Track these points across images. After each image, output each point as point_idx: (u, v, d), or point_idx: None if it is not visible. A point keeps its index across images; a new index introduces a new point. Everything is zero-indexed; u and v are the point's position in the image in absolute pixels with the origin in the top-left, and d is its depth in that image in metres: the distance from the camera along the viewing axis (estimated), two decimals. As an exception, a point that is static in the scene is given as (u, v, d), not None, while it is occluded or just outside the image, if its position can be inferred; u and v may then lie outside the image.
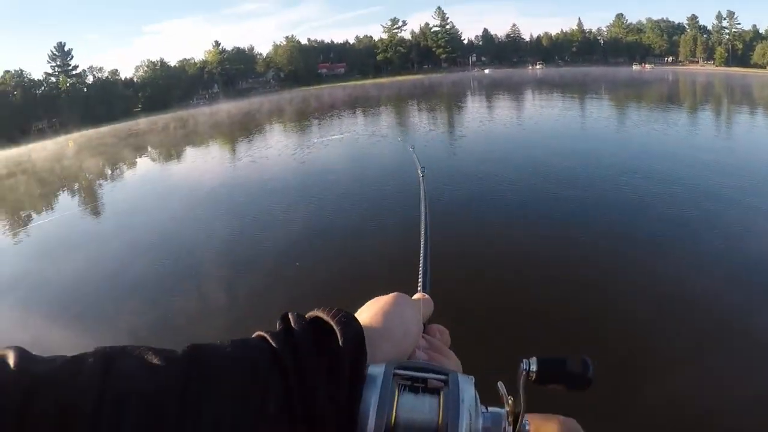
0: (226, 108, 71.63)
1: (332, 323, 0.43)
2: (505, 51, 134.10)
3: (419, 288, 0.64)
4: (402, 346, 0.48)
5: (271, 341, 0.42)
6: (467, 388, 0.44)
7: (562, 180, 11.09)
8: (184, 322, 6.46)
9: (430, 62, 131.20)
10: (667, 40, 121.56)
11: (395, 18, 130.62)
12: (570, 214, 8.88)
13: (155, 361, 0.37)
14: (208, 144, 30.55)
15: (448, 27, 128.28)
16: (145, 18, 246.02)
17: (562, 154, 13.55)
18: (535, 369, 0.48)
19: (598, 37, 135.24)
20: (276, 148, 21.94)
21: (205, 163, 22.14)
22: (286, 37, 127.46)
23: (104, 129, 72.83)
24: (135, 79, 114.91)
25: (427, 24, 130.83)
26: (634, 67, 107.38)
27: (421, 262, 0.63)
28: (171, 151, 30.04)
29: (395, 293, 0.52)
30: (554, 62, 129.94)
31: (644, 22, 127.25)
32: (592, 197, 9.88)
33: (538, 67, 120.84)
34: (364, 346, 0.44)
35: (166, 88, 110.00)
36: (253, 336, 0.42)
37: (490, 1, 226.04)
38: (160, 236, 11.00)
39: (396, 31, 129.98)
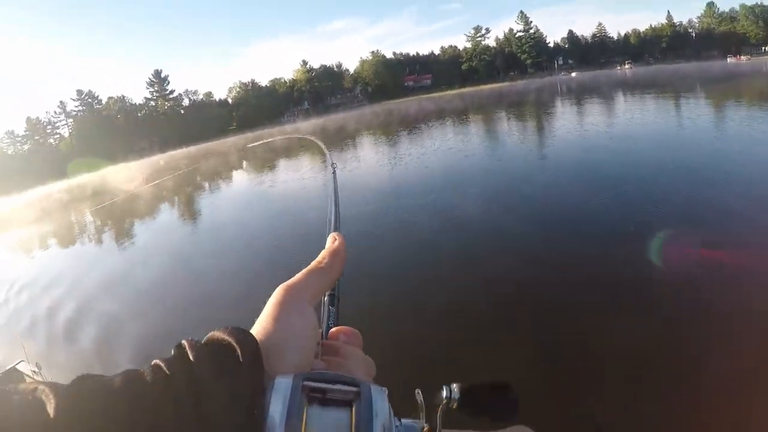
0: (306, 124, 76.35)
1: (228, 338, 0.43)
2: (592, 52, 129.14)
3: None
4: (299, 353, 0.47)
5: (164, 367, 0.41)
6: (380, 401, 0.44)
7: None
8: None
9: (516, 68, 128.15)
10: (764, 27, 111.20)
11: (478, 26, 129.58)
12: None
13: (34, 397, 0.37)
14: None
15: (532, 31, 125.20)
16: (242, 40, 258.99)
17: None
18: (457, 398, 0.46)
19: (690, 30, 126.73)
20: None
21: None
22: (372, 52, 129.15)
23: (196, 147, 78.91)
24: (229, 100, 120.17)
25: (511, 30, 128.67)
26: (728, 59, 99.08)
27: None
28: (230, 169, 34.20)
29: (280, 292, 0.50)
30: (644, 60, 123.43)
31: (737, 9, 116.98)
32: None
33: (626, 66, 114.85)
34: (261, 360, 0.43)
35: (258, 107, 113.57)
36: (151, 364, 0.42)
37: (574, 1, 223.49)
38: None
39: (480, 39, 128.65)
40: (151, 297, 9.17)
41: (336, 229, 0.70)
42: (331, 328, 0.60)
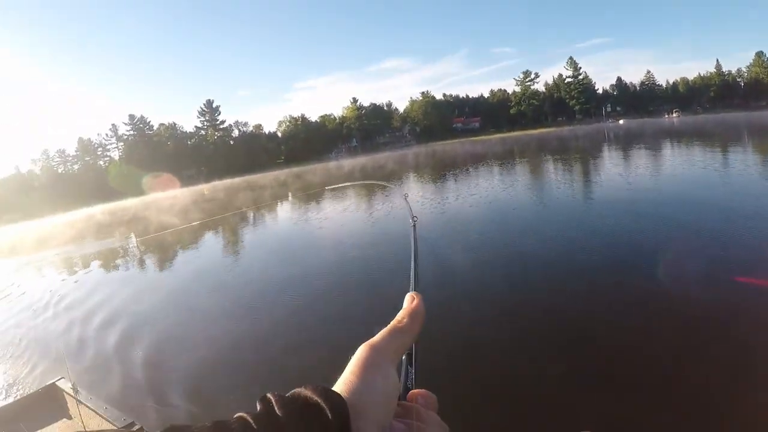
0: (353, 162, 76.37)
1: (315, 397, 0.43)
2: (640, 99, 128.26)
3: (407, 350, 0.61)
4: (381, 414, 0.47)
5: (251, 423, 0.41)
6: None
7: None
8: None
9: (563, 114, 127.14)
10: None
11: (528, 71, 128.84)
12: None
13: None
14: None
15: (580, 77, 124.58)
16: (294, 75, 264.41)
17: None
18: None
19: (738, 79, 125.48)
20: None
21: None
22: (422, 93, 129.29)
23: (242, 178, 77.93)
24: (278, 133, 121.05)
25: (560, 75, 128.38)
26: None
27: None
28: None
29: (364, 351, 0.51)
30: (691, 109, 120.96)
31: None
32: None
33: (674, 115, 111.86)
34: (349, 420, 0.43)
35: (307, 142, 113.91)
36: (234, 417, 0.42)
37: (624, 48, 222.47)
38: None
39: (529, 83, 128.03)
40: (211, 333, 8.82)
41: (416, 285, 0.69)
42: (409, 388, 0.59)
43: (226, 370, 6.95)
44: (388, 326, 0.55)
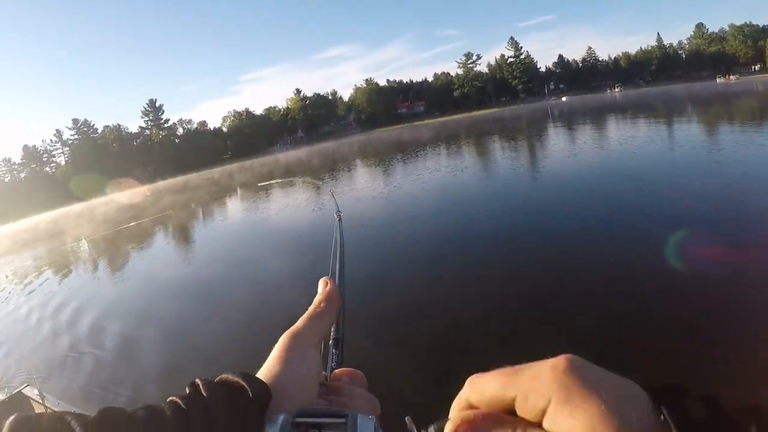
0: (293, 154, 79.24)
1: (239, 380, 0.47)
2: (582, 76, 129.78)
3: (331, 333, 0.65)
4: (301, 393, 0.51)
5: (181, 404, 0.44)
6: (367, 427, 0.46)
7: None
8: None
9: (507, 94, 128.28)
10: (752, 47, 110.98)
11: (469, 53, 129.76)
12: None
13: (63, 426, 0.40)
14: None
15: (522, 57, 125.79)
16: (237, 68, 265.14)
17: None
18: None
19: (680, 51, 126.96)
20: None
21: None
22: (366, 80, 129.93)
23: (186, 176, 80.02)
24: (223, 129, 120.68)
25: (502, 56, 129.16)
26: (718, 80, 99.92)
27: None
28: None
29: (284, 339, 0.55)
30: (634, 83, 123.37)
31: (727, 29, 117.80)
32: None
33: (616, 90, 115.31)
34: (269, 399, 0.47)
35: (252, 136, 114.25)
36: (167, 400, 0.44)
37: (568, 25, 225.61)
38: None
39: (471, 65, 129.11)
40: (155, 332, 9.38)
41: (341, 276, 0.74)
42: (333, 369, 0.63)
43: (181, 367, 7.31)
44: (306, 312, 0.59)
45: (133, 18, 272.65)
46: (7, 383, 7.89)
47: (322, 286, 0.64)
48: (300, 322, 0.58)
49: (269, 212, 21.58)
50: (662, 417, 0.32)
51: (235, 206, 29.82)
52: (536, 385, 0.37)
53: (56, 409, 4.84)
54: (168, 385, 6.59)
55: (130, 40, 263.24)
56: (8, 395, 6.14)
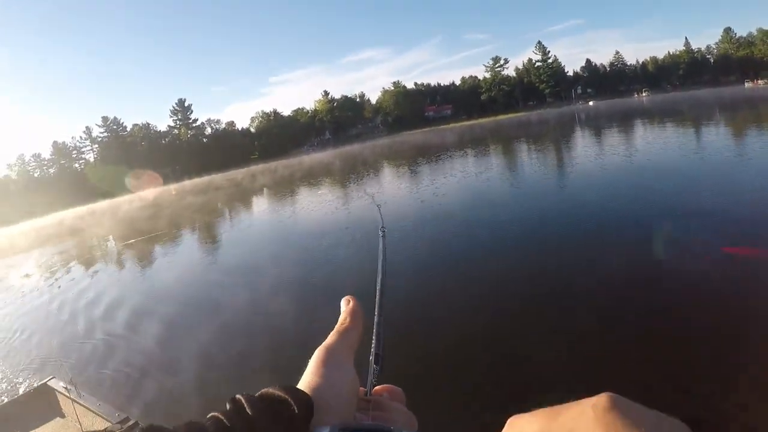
0: (319, 156, 79.78)
1: (283, 394, 0.47)
2: (610, 80, 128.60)
3: (372, 349, 0.66)
4: (341, 405, 0.51)
5: (224, 420, 0.45)
6: None
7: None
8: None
9: (534, 98, 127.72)
10: None
11: (497, 56, 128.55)
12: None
13: None
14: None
15: (550, 61, 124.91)
16: (268, 70, 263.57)
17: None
18: None
19: (707, 56, 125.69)
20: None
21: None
22: (394, 83, 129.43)
23: (211, 176, 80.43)
24: (251, 129, 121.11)
25: (530, 60, 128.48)
26: (746, 84, 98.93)
27: (375, 323, 0.69)
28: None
29: (319, 353, 0.56)
30: (661, 87, 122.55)
31: (755, 33, 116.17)
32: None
33: (644, 94, 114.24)
34: (312, 412, 0.47)
35: (280, 137, 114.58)
36: (207, 416, 0.45)
37: (596, 30, 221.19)
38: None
39: (499, 69, 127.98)
40: (185, 332, 9.32)
41: (382, 293, 0.75)
42: (375, 385, 0.63)
43: (212, 365, 7.33)
44: (334, 329, 0.60)
45: (167, 19, 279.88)
46: (34, 375, 8.02)
47: (345, 304, 0.65)
48: (331, 338, 0.58)
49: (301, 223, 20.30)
50: None
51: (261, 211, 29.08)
52: (579, 425, 0.37)
53: (81, 402, 5.05)
54: (199, 387, 6.65)
55: (163, 40, 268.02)
56: (34, 387, 6.21)
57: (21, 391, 6.52)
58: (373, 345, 0.64)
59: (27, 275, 20.96)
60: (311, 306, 8.88)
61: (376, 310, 0.71)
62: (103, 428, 4.59)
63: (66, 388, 5.57)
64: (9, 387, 7.90)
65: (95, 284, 15.34)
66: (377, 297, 0.74)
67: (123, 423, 4.62)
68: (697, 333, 5.73)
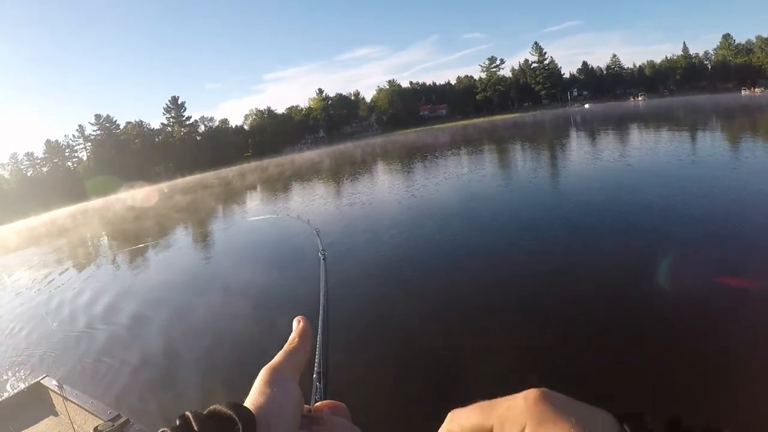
0: (318, 153, 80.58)
1: (229, 411, 0.49)
2: (606, 83, 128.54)
3: (315, 366, 0.69)
4: (284, 424, 0.53)
5: None
6: None
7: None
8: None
9: (529, 99, 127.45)
10: None
11: (493, 57, 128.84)
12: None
13: None
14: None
15: (546, 62, 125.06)
16: (261, 67, 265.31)
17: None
18: None
19: (705, 62, 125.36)
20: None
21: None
22: (389, 82, 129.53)
23: (204, 174, 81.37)
24: (245, 127, 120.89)
25: (526, 61, 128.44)
26: (742, 92, 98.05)
27: (318, 343, 0.71)
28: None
29: (264, 373, 0.58)
30: (658, 92, 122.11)
31: (754, 41, 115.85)
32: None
33: (639, 98, 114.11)
34: (255, 429, 0.49)
35: (274, 135, 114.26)
36: None
37: (594, 32, 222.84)
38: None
39: (494, 70, 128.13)
40: (163, 329, 9.65)
41: (325, 314, 0.79)
42: (317, 402, 0.66)
43: (189, 368, 7.54)
44: (283, 349, 0.62)
45: (160, 16, 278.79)
46: (27, 374, 8.16)
47: (296, 324, 0.67)
48: (278, 357, 0.60)
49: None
50: None
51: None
52: (511, 414, 0.41)
53: (73, 400, 5.10)
54: (176, 388, 6.93)
55: (156, 37, 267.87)
56: (27, 386, 6.21)
57: (14, 391, 6.46)
58: (316, 364, 0.67)
59: (16, 274, 21.41)
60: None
61: (319, 329, 0.75)
62: (95, 425, 4.69)
63: (58, 386, 5.61)
64: (2, 386, 8.05)
65: (84, 284, 15.60)
66: (320, 318, 0.77)
67: (114, 420, 4.68)
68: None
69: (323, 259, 1.14)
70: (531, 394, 0.41)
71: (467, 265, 10.38)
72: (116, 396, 6.83)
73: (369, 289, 9.84)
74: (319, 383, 0.67)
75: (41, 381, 6.16)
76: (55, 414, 5.56)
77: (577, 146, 31.10)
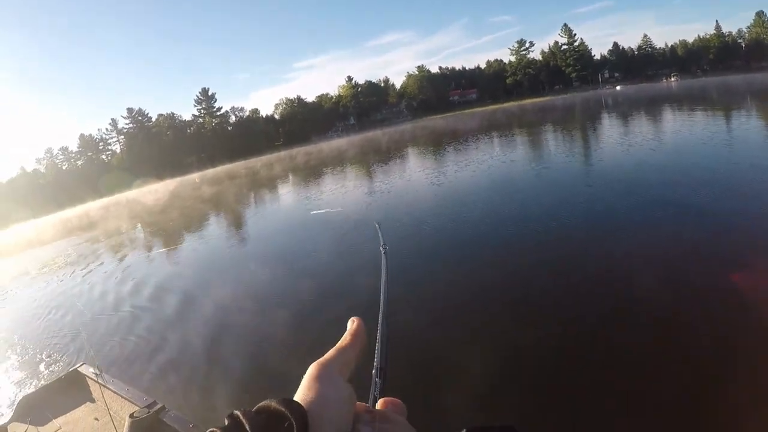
0: (341, 142, 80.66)
1: (280, 407, 0.49)
2: (637, 64, 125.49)
3: (375, 362, 0.69)
4: (336, 419, 0.53)
5: None
6: None
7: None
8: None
9: (560, 82, 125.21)
10: None
11: (522, 39, 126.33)
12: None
13: None
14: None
15: (576, 44, 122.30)
16: (294, 56, 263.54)
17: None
18: None
19: (739, 40, 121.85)
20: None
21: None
22: (418, 67, 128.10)
23: (234, 164, 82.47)
24: (276, 116, 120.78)
25: (556, 43, 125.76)
26: None
27: (378, 337, 0.73)
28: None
29: (312, 368, 0.58)
30: (690, 72, 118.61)
31: None
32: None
33: (672, 79, 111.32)
34: (307, 425, 0.49)
35: (304, 123, 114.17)
36: None
37: (624, 11, 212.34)
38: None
39: (524, 53, 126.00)
40: (207, 321, 9.58)
41: (386, 309, 0.78)
42: (377, 398, 0.66)
43: (228, 357, 7.67)
44: (335, 346, 0.62)
45: (188, 8, 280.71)
46: (66, 361, 8.38)
47: (350, 324, 0.66)
48: (328, 354, 0.60)
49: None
50: None
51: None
52: None
53: (110, 387, 5.47)
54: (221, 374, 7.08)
55: (186, 30, 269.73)
56: (66, 373, 6.33)
57: (53, 378, 6.64)
58: (375, 359, 0.66)
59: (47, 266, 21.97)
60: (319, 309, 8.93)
61: (379, 324, 0.74)
62: (131, 412, 4.75)
63: (95, 373, 5.83)
64: (42, 373, 8.48)
65: (113, 272, 16.23)
66: (381, 312, 0.77)
67: (150, 407, 4.75)
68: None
69: (384, 252, 1.12)
70: None
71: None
72: (153, 383, 7.01)
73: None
74: (378, 378, 0.68)
75: (78, 368, 6.32)
76: (92, 400, 5.66)
77: (615, 135, 28.67)
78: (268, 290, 11.36)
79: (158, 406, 4.76)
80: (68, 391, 6.00)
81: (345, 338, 0.64)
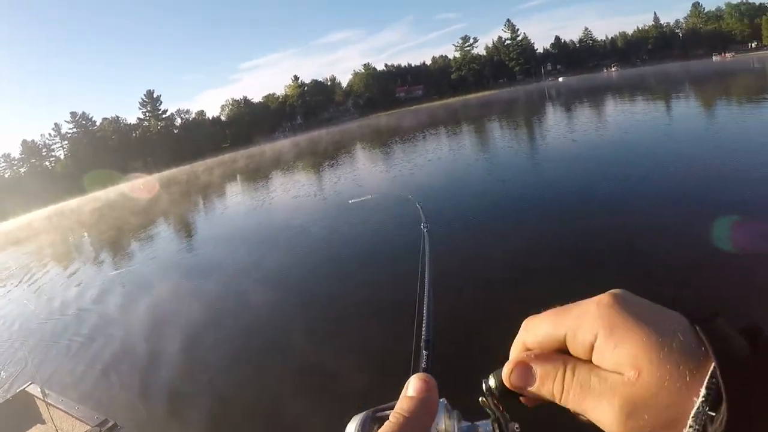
0: (281, 144, 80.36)
1: None
2: (579, 56, 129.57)
3: (423, 335, 0.65)
4: None
5: None
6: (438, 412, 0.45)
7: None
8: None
9: (504, 76, 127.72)
10: (749, 24, 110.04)
11: (466, 36, 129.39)
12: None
13: None
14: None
15: (519, 39, 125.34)
16: (240, 56, 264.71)
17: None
18: (494, 385, 0.44)
19: (676, 30, 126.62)
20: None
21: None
22: (364, 65, 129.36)
23: (182, 168, 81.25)
24: (222, 118, 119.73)
25: (499, 38, 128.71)
26: (714, 58, 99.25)
27: (424, 309, 0.68)
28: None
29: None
30: (630, 62, 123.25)
31: (723, 7, 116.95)
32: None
33: (613, 69, 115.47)
34: None
35: (251, 124, 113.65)
36: None
37: (565, 6, 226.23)
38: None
39: (468, 48, 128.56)
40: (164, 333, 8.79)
41: (430, 284, 0.72)
42: (425, 370, 0.60)
43: (195, 368, 7.01)
44: (387, 422, 0.43)
45: (132, 8, 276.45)
46: (11, 382, 7.80)
47: (414, 385, 0.47)
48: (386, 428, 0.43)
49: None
50: (701, 339, 0.34)
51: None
52: (583, 321, 0.39)
53: (60, 407, 5.05)
54: (177, 389, 6.55)
55: (130, 30, 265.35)
56: (12, 394, 6.05)
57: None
58: (423, 331, 0.64)
59: None
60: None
61: (426, 298, 0.72)
62: (82, 431, 4.63)
63: (42, 393, 5.34)
64: None
65: (58, 286, 15.16)
66: (426, 287, 0.76)
67: (102, 425, 4.56)
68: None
69: (426, 231, 1.21)
70: (604, 298, 0.38)
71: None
72: (103, 400, 6.61)
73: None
74: (426, 351, 0.63)
75: (26, 389, 5.98)
76: (42, 422, 5.42)
77: (562, 122, 29.69)
78: (212, 300, 10.14)
79: (110, 424, 4.62)
80: (15, 414, 5.67)
81: (409, 408, 0.45)
